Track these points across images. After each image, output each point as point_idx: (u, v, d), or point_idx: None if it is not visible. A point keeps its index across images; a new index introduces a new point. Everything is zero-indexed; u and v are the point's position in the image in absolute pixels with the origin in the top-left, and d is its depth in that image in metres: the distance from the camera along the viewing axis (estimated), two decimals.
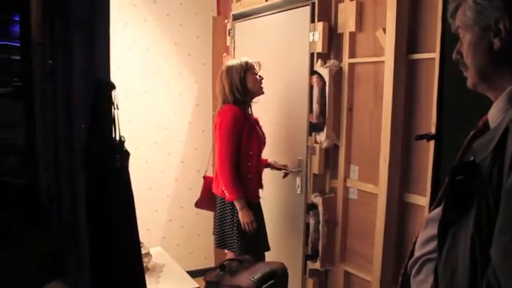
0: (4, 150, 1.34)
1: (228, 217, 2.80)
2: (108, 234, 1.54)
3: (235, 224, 2.73)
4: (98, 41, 1.59)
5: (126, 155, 1.62)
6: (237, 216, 2.71)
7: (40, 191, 1.47)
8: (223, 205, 2.82)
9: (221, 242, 2.87)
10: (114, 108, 1.58)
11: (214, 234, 2.93)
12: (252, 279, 2.27)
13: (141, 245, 2.39)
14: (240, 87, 2.74)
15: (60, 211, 1.50)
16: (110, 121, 1.58)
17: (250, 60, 2.80)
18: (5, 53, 1.36)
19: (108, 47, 1.61)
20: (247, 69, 2.77)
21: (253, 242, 2.73)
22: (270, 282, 2.33)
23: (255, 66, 2.80)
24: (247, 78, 2.76)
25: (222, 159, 2.67)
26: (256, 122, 2.87)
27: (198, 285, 2.39)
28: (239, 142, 2.72)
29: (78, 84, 1.51)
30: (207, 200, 2.99)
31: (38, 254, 1.40)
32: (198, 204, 3.03)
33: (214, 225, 2.92)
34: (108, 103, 1.56)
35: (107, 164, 1.54)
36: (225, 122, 2.70)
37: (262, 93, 2.84)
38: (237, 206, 2.66)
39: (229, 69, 2.77)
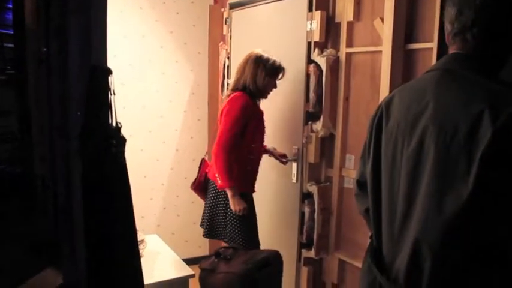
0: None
1: (221, 204, 2.79)
2: (104, 221, 1.54)
3: (228, 212, 2.73)
4: (95, 26, 1.57)
5: (122, 140, 1.62)
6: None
7: (35, 178, 1.46)
8: (216, 191, 2.81)
9: (211, 231, 2.85)
10: (111, 94, 1.57)
11: (202, 225, 2.92)
12: (247, 266, 2.28)
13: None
14: (260, 83, 2.72)
15: (56, 199, 1.50)
16: (107, 107, 1.57)
17: (282, 65, 2.78)
18: None
19: (105, 32, 1.60)
20: (276, 72, 2.77)
21: (244, 234, 2.73)
22: (264, 270, 2.34)
23: (281, 74, 2.80)
24: (269, 80, 2.75)
25: (220, 144, 2.64)
26: (262, 114, 2.85)
27: (193, 273, 2.40)
28: (243, 133, 2.70)
29: (74, 70, 1.49)
30: (202, 184, 2.96)
31: (32, 242, 1.40)
32: (195, 187, 2.99)
33: (204, 214, 2.90)
34: (105, 89, 1.55)
35: (103, 150, 1.54)
36: (234, 108, 2.66)
37: (265, 98, 2.84)
38: (228, 193, 2.66)
39: (260, 61, 2.73)
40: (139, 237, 2.44)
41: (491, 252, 1.06)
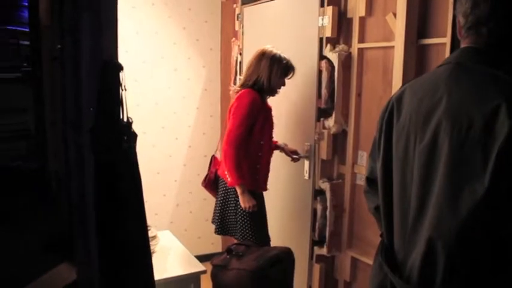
0: (15, 135, 1.35)
1: (232, 201, 2.79)
2: (115, 216, 1.55)
3: (238, 209, 2.73)
4: (106, 22, 1.57)
5: (133, 136, 1.62)
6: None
7: (50, 174, 1.48)
8: (227, 188, 2.81)
9: (222, 227, 2.86)
10: (122, 90, 1.57)
11: (213, 222, 2.92)
12: (258, 263, 2.28)
13: (149, 228, 2.41)
14: (274, 81, 2.72)
15: (69, 194, 1.51)
16: (118, 102, 1.57)
17: (293, 65, 2.78)
18: (14, 38, 1.36)
19: (116, 28, 1.60)
20: (288, 72, 2.77)
21: (254, 230, 2.73)
22: (276, 267, 2.33)
23: (292, 74, 2.80)
24: (281, 79, 2.75)
25: (229, 141, 2.64)
26: (271, 111, 2.84)
27: (205, 269, 2.40)
28: (251, 130, 2.69)
29: (86, 66, 1.50)
30: (213, 181, 2.96)
31: (47, 237, 1.41)
32: (206, 184, 2.99)
33: (215, 211, 2.90)
34: (116, 84, 1.56)
35: (114, 146, 1.54)
36: (242, 105, 2.66)
37: (273, 95, 2.83)
38: (238, 190, 2.66)
39: (275, 60, 2.72)
40: (152, 233, 2.45)
41: (507, 250, 1.04)
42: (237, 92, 2.76)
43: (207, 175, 2.99)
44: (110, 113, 1.56)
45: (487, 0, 1.14)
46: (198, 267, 2.39)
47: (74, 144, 1.50)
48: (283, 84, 2.79)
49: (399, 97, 1.29)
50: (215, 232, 2.91)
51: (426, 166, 1.14)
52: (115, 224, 1.54)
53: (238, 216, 2.75)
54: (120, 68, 1.57)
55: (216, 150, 3.12)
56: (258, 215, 2.75)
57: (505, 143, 0.98)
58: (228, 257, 2.40)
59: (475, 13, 1.16)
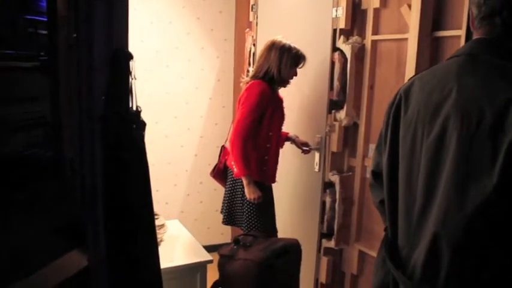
0: (33, 123, 1.37)
1: (239, 191, 2.79)
2: (124, 203, 1.56)
3: (245, 199, 2.73)
4: (117, 12, 1.58)
5: (142, 124, 1.63)
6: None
7: (64, 161, 1.49)
8: (234, 179, 2.81)
9: (230, 218, 2.86)
10: (132, 79, 1.58)
11: (222, 211, 2.92)
12: (265, 254, 2.28)
13: (157, 216, 2.43)
14: (284, 71, 2.69)
15: (83, 182, 1.53)
16: (127, 91, 1.58)
17: (303, 54, 2.74)
18: (33, 27, 1.37)
19: (127, 18, 1.61)
20: (299, 61, 2.74)
21: (261, 221, 2.73)
22: (283, 258, 2.33)
23: (303, 63, 2.76)
24: (292, 69, 2.73)
25: (237, 132, 2.63)
26: (281, 102, 2.82)
27: (211, 258, 2.41)
28: (260, 121, 2.68)
29: (99, 55, 1.51)
30: (222, 171, 2.96)
31: (61, 223, 1.43)
32: (214, 174, 2.99)
33: (223, 201, 2.91)
34: (126, 73, 1.57)
35: (123, 133, 1.55)
36: (251, 96, 2.65)
37: (285, 87, 2.81)
38: (244, 181, 2.66)
39: (285, 49, 2.70)
40: (160, 221, 2.47)
41: None
42: (247, 83, 2.75)
43: (216, 165, 2.99)
44: (119, 102, 1.57)
45: None
46: (205, 256, 2.40)
47: (88, 132, 1.52)
48: (295, 74, 2.77)
49: (407, 89, 1.27)
50: (223, 222, 2.92)
51: (433, 160, 1.13)
52: (122, 212, 1.55)
53: (244, 207, 2.75)
54: (130, 57, 1.58)
55: (226, 140, 3.12)
56: (265, 207, 2.75)
57: None
58: (235, 247, 2.41)
59: (489, 3, 1.14)
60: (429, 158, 1.14)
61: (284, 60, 2.68)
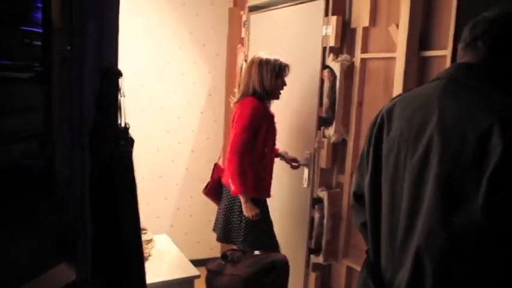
0: (26, 134, 1.37)
1: (236, 209, 2.78)
2: (109, 219, 1.56)
3: (243, 217, 2.72)
4: (107, 29, 1.60)
5: (130, 141, 1.64)
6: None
7: (56, 174, 1.50)
8: (231, 197, 2.80)
9: (226, 235, 2.84)
10: (121, 96, 1.60)
11: (215, 229, 2.91)
12: (253, 269, 2.28)
13: (145, 231, 2.43)
14: (267, 84, 2.72)
15: (73, 194, 1.53)
16: (116, 108, 1.60)
17: (284, 62, 2.77)
18: (28, 38, 1.38)
19: (117, 35, 1.63)
20: (280, 70, 2.76)
21: (260, 238, 2.73)
22: (270, 274, 2.34)
23: (287, 71, 2.79)
24: (276, 79, 2.75)
25: (233, 150, 2.65)
26: (273, 118, 2.85)
27: (199, 274, 2.41)
28: (255, 137, 2.70)
29: (89, 71, 1.53)
30: (215, 188, 2.96)
31: (50, 235, 1.43)
32: (207, 192, 2.99)
33: (218, 219, 2.90)
34: (115, 90, 1.58)
35: (111, 150, 1.56)
36: (245, 113, 2.67)
37: (278, 99, 2.83)
38: (242, 199, 2.67)
39: (263, 63, 2.73)
40: (148, 236, 2.47)
41: (497, 270, 1.03)
42: (238, 101, 2.78)
43: (208, 182, 2.99)
44: (108, 118, 1.59)
45: (484, 21, 1.16)
46: (192, 271, 2.40)
47: (78, 147, 1.53)
48: (283, 84, 2.79)
49: (389, 110, 1.28)
50: (217, 240, 2.90)
51: (417, 182, 1.13)
52: (108, 226, 1.56)
53: (242, 224, 2.74)
54: (119, 74, 1.60)
55: (219, 158, 3.14)
56: (263, 222, 2.76)
57: (498, 164, 0.97)
58: (223, 262, 2.41)
59: (472, 33, 1.19)
60: (412, 179, 1.14)
61: (264, 73, 2.72)
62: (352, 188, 1.47)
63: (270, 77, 2.72)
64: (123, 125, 1.63)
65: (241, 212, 2.73)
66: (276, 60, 2.75)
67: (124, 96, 1.62)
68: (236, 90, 3.41)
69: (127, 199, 1.65)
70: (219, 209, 2.91)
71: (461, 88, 1.15)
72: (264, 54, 2.78)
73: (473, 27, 1.19)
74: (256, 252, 2.67)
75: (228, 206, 2.82)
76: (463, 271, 1.05)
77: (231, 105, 2.93)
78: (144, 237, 2.40)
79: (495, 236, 1.01)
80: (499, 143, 0.98)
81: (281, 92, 2.82)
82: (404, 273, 1.13)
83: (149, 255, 2.47)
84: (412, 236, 1.12)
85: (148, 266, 2.35)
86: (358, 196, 1.41)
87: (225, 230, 2.83)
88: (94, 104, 1.55)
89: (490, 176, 0.98)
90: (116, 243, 1.58)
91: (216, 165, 3.03)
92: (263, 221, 2.77)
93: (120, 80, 1.61)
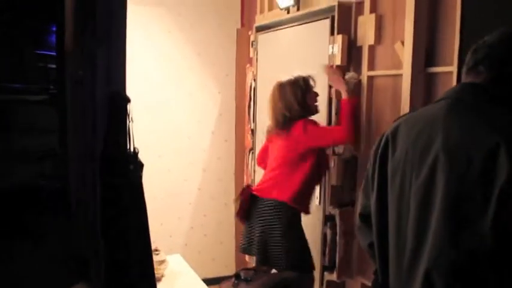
0: (42, 155, 1.41)
1: (277, 228, 2.61)
2: (120, 243, 1.59)
3: (285, 235, 2.59)
4: (116, 55, 1.64)
5: (139, 165, 1.67)
6: (287, 226, 2.61)
7: (70, 195, 1.53)
8: (270, 216, 2.64)
9: (265, 257, 2.63)
10: (129, 121, 1.63)
11: (250, 251, 2.72)
12: None
13: (157, 252, 2.45)
14: (301, 102, 2.65)
15: (86, 216, 1.56)
16: (125, 133, 1.63)
17: (305, 76, 2.71)
18: (43, 61, 1.43)
19: (125, 61, 1.67)
20: (308, 84, 2.70)
21: (300, 258, 2.65)
22: None
23: (312, 83, 2.73)
24: (308, 95, 2.69)
25: (339, 137, 2.60)
26: None
27: None
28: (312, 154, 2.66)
29: (100, 96, 1.57)
30: (247, 210, 2.76)
31: (66, 256, 1.45)
32: (241, 217, 2.77)
33: (251, 239, 2.70)
34: (124, 116, 1.62)
35: (120, 174, 1.59)
36: (309, 124, 2.61)
37: (318, 111, 2.75)
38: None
39: (291, 82, 2.67)
40: (161, 257, 2.49)
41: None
42: (278, 132, 2.71)
43: (240, 207, 2.76)
44: (117, 143, 1.62)
45: (484, 46, 1.20)
46: None
47: (90, 168, 1.56)
48: (317, 95, 2.74)
49: (394, 131, 1.29)
50: (259, 262, 2.67)
51: (423, 202, 1.14)
52: (118, 248, 1.58)
53: (284, 242, 2.59)
54: (127, 100, 1.63)
55: (248, 183, 2.95)
56: (302, 241, 2.71)
57: (505, 185, 0.98)
58: (236, 281, 2.42)
59: (473, 57, 1.22)
60: (419, 200, 1.15)
61: (298, 95, 2.65)
62: (358, 210, 1.47)
63: (301, 95, 2.66)
64: (132, 149, 1.67)
65: (282, 232, 2.59)
66: (299, 76, 2.70)
67: (132, 121, 1.65)
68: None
69: (137, 221, 1.67)
70: (251, 227, 2.72)
71: (466, 108, 1.16)
72: (288, 79, 2.71)
73: (474, 52, 1.22)
74: (263, 268, 2.61)
75: (268, 225, 2.64)
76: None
77: (267, 136, 2.85)
78: (157, 258, 2.42)
79: (504, 256, 1.02)
80: (505, 163, 0.99)
81: (317, 105, 2.74)
82: None
83: (162, 276, 2.49)
84: (420, 257, 1.12)
85: (161, 286, 2.36)
86: (364, 217, 1.41)
87: (264, 251, 2.62)
88: (104, 128, 1.59)
89: (498, 195, 0.98)
90: (127, 265, 1.60)
91: (246, 187, 2.86)
92: (302, 239, 2.71)
93: (128, 105, 1.65)
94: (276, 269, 2.65)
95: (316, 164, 2.68)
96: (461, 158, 1.06)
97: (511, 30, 1.20)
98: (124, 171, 1.63)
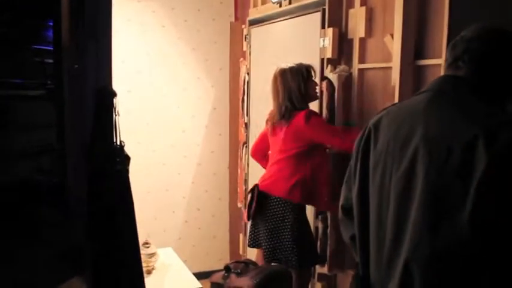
0: (40, 150, 1.41)
1: (288, 224, 2.56)
2: (108, 233, 1.60)
3: (295, 231, 2.55)
4: (102, 51, 1.65)
5: (126, 159, 1.68)
6: (297, 222, 2.56)
7: (68, 189, 1.53)
8: (282, 212, 2.59)
9: (273, 253, 2.61)
10: (115, 115, 1.64)
11: (258, 245, 2.70)
12: (255, 281, 2.30)
13: (148, 245, 2.47)
14: (302, 90, 2.60)
15: (82, 210, 1.57)
16: (112, 127, 1.64)
17: (306, 64, 2.66)
18: (40, 56, 1.43)
19: (110, 56, 1.67)
20: (309, 71, 2.65)
21: (308, 252, 2.63)
22: (272, 285, 2.35)
23: (313, 72, 2.69)
24: (310, 82, 2.65)
25: (339, 140, 2.53)
26: None
27: (201, 286, 2.44)
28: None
29: (89, 89, 1.58)
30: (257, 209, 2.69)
31: (63, 250, 1.46)
32: (253, 217, 2.71)
33: (258, 235, 2.69)
34: (110, 110, 1.62)
35: (107, 167, 1.60)
36: (313, 115, 2.58)
37: (318, 98, 2.73)
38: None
39: (293, 69, 2.62)
40: (151, 250, 2.50)
41: (485, 282, 1.03)
42: (280, 122, 2.65)
43: (251, 208, 2.69)
44: (103, 136, 1.63)
45: (463, 41, 1.21)
46: (194, 284, 2.43)
47: (84, 162, 1.57)
48: (316, 84, 2.71)
49: (376, 123, 1.30)
50: (266, 259, 2.64)
51: (403, 194, 1.14)
52: (105, 240, 1.59)
53: (294, 237, 2.55)
54: (113, 94, 1.64)
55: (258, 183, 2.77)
56: (310, 235, 2.70)
57: (484, 176, 0.98)
58: (225, 274, 2.43)
59: (452, 53, 1.23)
60: (399, 191, 1.15)
61: (296, 81, 2.61)
62: (340, 202, 1.47)
63: (303, 82, 2.61)
64: (118, 142, 1.68)
65: (291, 228, 2.55)
66: (299, 64, 2.65)
67: (118, 115, 1.66)
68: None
69: (123, 215, 1.68)
70: (259, 223, 2.68)
71: (447, 100, 1.16)
72: (284, 64, 2.66)
73: (453, 47, 1.23)
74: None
75: (279, 221, 2.60)
76: (451, 283, 1.06)
77: (270, 123, 2.77)
78: (147, 251, 2.43)
79: (482, 247, 1.02)
80: (483, 155, 0.99)
81: (317, 93, 2.72)
82: (393, 285, 1.14)
83: (153, 269, 2.50)
84: (400, 248, 1.13)
85: (151, 279, 2.37)
86: (346, 209, 1.41)
87: (272, 247, 2.60)
88: (92, 121, 1.60)
89: (476, 187, 0.99)
90: (113, 256, 1.61)
91: (255, 187, 2.74)
92: (309, 234, 2.69)
93: (114, 99, 1.66)
94: (286, 266, 2.58)
95: (323, 159, 2.66)
96: (441, 150, 1.06)
97: (488, 24, 1.21)
98: (110, 164, 1.63)
